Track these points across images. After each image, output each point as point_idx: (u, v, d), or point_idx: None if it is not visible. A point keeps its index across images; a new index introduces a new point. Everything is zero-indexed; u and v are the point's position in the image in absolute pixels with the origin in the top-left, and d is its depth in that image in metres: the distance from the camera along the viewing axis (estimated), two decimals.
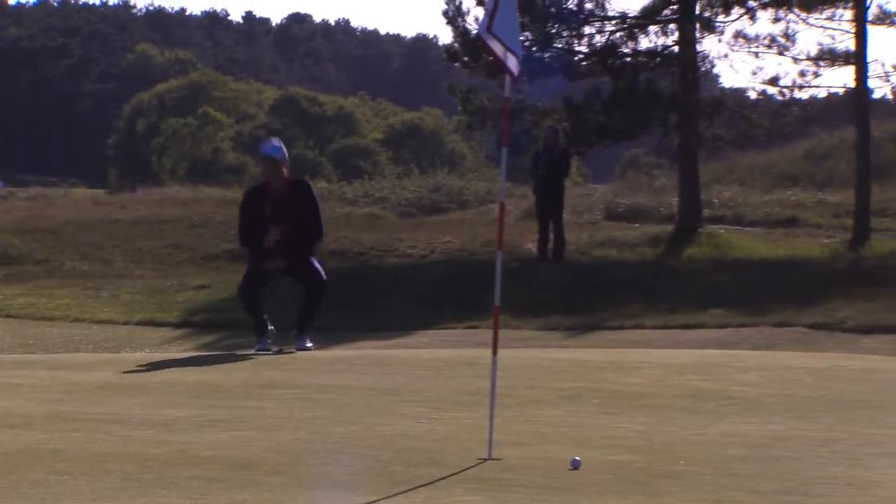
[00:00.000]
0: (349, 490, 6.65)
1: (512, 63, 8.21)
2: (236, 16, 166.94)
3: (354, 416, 8.90)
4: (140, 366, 11.95)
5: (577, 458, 7.13)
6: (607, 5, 32.08)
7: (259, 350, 13.44)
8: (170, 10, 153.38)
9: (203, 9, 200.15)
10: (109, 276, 29.01)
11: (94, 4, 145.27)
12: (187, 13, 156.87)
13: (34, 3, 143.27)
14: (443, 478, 7.04)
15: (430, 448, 7.87)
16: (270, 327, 13.86)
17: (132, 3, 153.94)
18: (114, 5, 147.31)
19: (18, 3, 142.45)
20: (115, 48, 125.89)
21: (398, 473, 7.07)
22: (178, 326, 23.94)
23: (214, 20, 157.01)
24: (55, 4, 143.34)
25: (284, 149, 13.89)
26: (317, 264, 13.78)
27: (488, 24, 8.20)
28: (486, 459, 7.46)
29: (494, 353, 8.18)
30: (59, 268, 29.96)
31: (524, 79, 28.81)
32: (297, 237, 13.56)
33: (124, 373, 11.26)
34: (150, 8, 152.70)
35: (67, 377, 10.84)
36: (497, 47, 8.22)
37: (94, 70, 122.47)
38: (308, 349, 13.60)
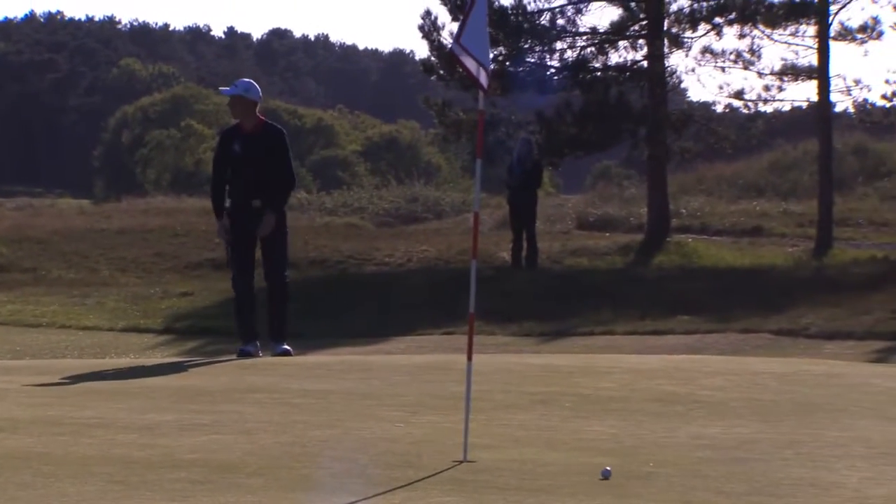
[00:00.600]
0: (328, 492, 6.64)
1: (482, 77, 8.21)
2: (218, 31, 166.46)
3: (333, 420, 8.88)
4: (124, 371, 11.92)
5: (608, 469, 7.10)
6: (578, 21, 32.18)
7: (244, 354, 13.08)
8: (154, 25, 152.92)
9: (186, 24, 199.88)
10: (95, 284, 28.95)
11: (79, 20, 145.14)
12: (171, 28, 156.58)
13: (22, 19, 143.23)
14: (419, 479, 7.04)
15: (407, 451, 7.86)
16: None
17: (117, 19, 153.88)
18: (99, 21, 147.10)
19: (6, 18, 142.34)
20: (100, 62, 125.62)
21: (376, 475, 7.06)
22: (162, 333, 23.91)
23: (197, 35, 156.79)
24: (42, 20, 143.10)
25: (258, 88, 13.24)
26: (286, 251, 13.31)
27: (458, 36, 8.21)
28: (461, 462, 7.45)
29: (469, 358, 8.18)
30: (46, 276, 29.88)
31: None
32: (269, 182, 12.91)
33: (109, 378, 11.23)
34: (135, 23, 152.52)
35: (53, 382, 10.80)
36: (469, 62, 8.23)
37: (81, 84, 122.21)
38: (288, 353, 13.15)
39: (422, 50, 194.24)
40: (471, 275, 8.23)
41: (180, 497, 6.48)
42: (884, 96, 32.40)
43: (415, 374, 11.26)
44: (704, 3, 31.65)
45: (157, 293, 27.71)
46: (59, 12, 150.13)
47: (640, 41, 32.24)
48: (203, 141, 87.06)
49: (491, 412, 9.22)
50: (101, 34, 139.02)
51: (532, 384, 10.70)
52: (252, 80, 13.43)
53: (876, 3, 31.54)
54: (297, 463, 7.40)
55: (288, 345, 13.27)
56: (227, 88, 13.28)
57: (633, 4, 32.58)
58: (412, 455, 7.72)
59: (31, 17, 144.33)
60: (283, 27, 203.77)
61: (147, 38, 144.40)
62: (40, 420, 8.75)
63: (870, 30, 31.59)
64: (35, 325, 24.42)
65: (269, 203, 12.91)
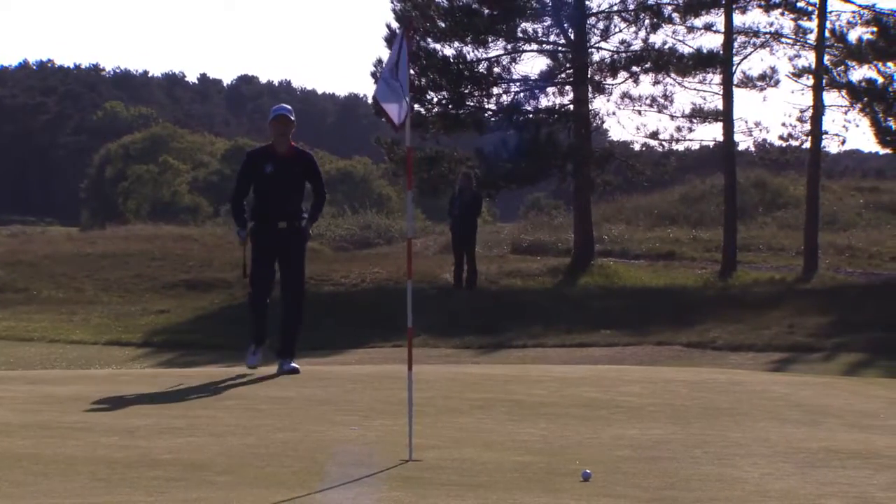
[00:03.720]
0: (289, 488, 6.60)
1: (402, 114, 8.25)
2: (192, 77, 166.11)
3: (295, 424, 8.84)
4: (107, 380, 11.82)
5: (589, 471, 7.07)
6: (512, 69, 32.28)
7: (250, 366, 12.06)
8: (134, 72, 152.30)
9: (163, 71, 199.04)
10: (81, 303, 28.73)
11: (68, 67, 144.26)
12: (150, 74, 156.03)
13: (16, 67, 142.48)
14: (370, 475, 7.01)
15: (361, 451, 7.84)
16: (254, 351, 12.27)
17: (101, 66, 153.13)
18: (86, 68, 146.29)
19: (2, 66, 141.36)
20: (86, 105, 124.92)
21: (333, 473, 7.03)
22: (141, 346, 23.74)
23: (173, 81, 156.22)
24: (34, 67, 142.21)
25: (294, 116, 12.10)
26: (304, 264, 12.23)
27: (386, 73, 8.27)
28: (407, 461, 7.43)
29: (410, 367, 8.20)
30: (37, 295, 29.62)
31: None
32: (295, 204, 11.89)
33: (93, 386, 11.14)
34: (117, 70, 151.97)
35: (43, 390, 10.70)
36: (391, 108, 8.27)
37: (69, 124, 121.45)
38: (296, 371, 11.87)
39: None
40: (407, 293, 8.29)
41: (157, 493, 6.43)
42: (781, 137, 32.71)
43: (367, 383, 11.22)
44: (623, 54, 31.83)
45: (137, 311, 27.53)
46: (49, 60, 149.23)
47: (567, 87, 32.37)
48: (178, 175, 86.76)
49: (435, 416, 9.20)
50: (88, 80, 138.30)
51: (471, 391, 10.69)
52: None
53: (774, 55, 31.86)
54: (262, 462, 7.36)
55: (295, 362, 12.14)
56: (279, 108, 12.08)
57: (560, 55, 32.72)
58: (365, 455, 7.70)
59: (24, 65, 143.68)
60: (250, 73, 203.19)
61: (128, 84, 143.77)
62: (31, 424, 8.66)
63: (768, 78, 31.90)
64: (27, 339, 24.19)
65: (305, 219, 11.93)
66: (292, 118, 12.01)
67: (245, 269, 12.10)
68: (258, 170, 11.86)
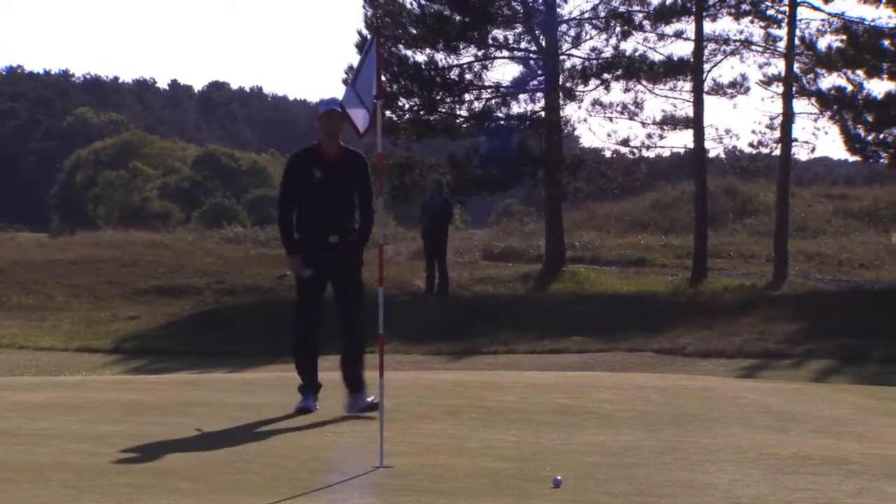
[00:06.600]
0: (260, 495, 6.59)
1: (361, 120, 8.26)
2: (163, 83, 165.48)
3: (266, 431, 8.82)
4: (77, 387, 11.77)
5: (559, 478, 7.07)
6: (484, 76, 32.32)
7: (301, 409, 9.93)
8: (105, 77, 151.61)
9: (134, 77, 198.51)
10: (51, 309, 28.60)
11: (38, 73, 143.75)
12: (120, 80, 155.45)
13: None
14: (342, 482, 7.01)
15: (332, 458, 7.83)
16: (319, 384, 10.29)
17: (71, 72, 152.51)
18: (56, 74, 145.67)
19: None
20: (56, 111, 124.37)
21: (303, 480, 7.02)
22: (111, 353, 23.65)
23: (144, 87, 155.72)
24: (4, 73, 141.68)
25: None
26: (362, 284, 10.28)
27: (354, 79, 8.30)
28: (378, 467, 7.43)
29: (381, 374, 8.20)
30: (6, 302, 29.47)
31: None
32: (349, 215, 9.96)
33: (63, 393, 11.08)
34: (88, 76, 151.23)
35: (12, 397, 10.65)
36: (355, 114, 8.29)
37: (39, 130, 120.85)
38: (375, 406, 9.30)
39: None
40: (378, 300, 8.29)
41: (126, 500, 6.40)
42: (751, 144, 32.82)
43: (339, 389, 11.19)
44: (594, 61, 31.91)
45: (107, 317, 27.42)
46: (19, 66, 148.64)
47: (539, 94, 32.42)
48: (149, 181, 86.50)
49: (407, 422, 9.19)
50: (58, 86, 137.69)
51: (443, 397, 10.69)
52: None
53: (744, 62, 32.00)
54: (233, 469, 7.34)
55: (369, 393, 9.90)
56: (329, 101, 9.90)
57: (531, 62, 32.77)
58: (336, 461, 7.69)
59: None
60: (221, 80, 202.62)
61: (99, 89, 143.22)
62: (0, 431, 8.61)
63: (738, 85, 32.00)
64: None
65: (357, 234, 10.09)
66: (340, 110, 9.25)
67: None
68: (305, 176, 9.88)
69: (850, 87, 31.02)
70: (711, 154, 33.52)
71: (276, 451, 7.97)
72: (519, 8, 31.97)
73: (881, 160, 32.00)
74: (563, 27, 32.15)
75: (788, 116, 31.19)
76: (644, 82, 31.95)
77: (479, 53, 32.19)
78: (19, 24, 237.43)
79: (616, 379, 13.22)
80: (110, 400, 10.49)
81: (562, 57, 32.22)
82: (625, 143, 33.10)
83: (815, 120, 31.67)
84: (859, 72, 30.79)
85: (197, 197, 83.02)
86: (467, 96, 32.43)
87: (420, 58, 31.90)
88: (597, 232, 41.17)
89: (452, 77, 32.01)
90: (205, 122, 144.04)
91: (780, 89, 31.43)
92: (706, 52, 31.69)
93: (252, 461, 7.59)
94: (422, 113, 31.86)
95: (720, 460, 7.90)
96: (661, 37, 32.00)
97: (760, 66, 32.93)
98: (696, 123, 31.57)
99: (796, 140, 31.62)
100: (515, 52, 32.59)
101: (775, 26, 31.57)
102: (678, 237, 38.93)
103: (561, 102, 32.11)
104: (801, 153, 37.75)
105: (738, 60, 38.11)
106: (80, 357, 22.96)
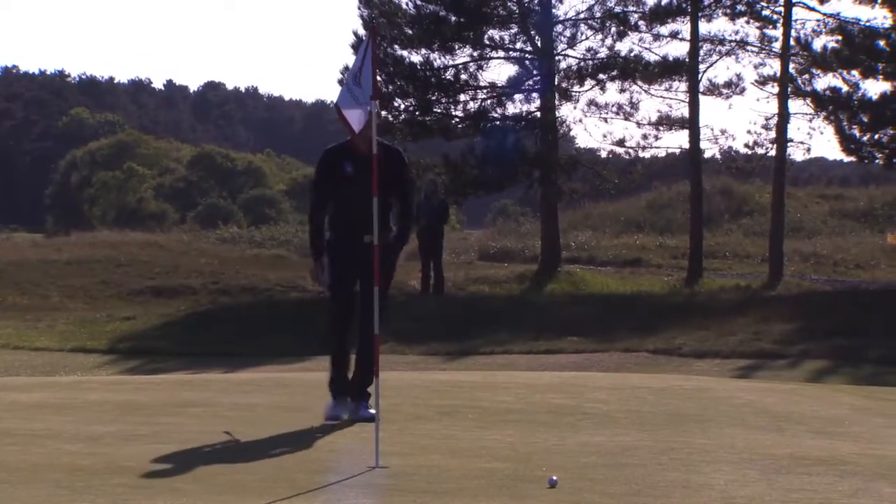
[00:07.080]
0: (256, 495, 6.58)
1: (357, 120, 8.25)
2: (158, 83, 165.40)
3: (262, 431, 8.82)
4: (72, 387, 11.76)
5: (555, 478, 7.06)
6: (479, 77, 32.33)
7: (331, 419, 9.40)
8: (100, 78, 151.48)
9: (130, 77, 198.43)
10: (46, 309, 28.59)
11: (33, 73, 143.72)
12: (115, 81, 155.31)
13: None
14: (337, 482, 7.00)
15: (328, 458, 7.82)
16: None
17: (67, 72, 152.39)
18: (51, 74, 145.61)
19: None
20: (52, 111, 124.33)
21: (300, 480, 7.01)
22: (107, 353, 23.64)
23: (139, 87, 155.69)
24: None
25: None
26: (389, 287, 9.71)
27: (349, 79, 8.28)
28: (374, 467, 7.42)
29: (377, 374, 8.20)
30: (2, 302, 29.46)
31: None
32: (383, 214, 9.34)
33: (58, 393, 11.07)
34: (83, 76, 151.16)
35: (8, 397, 10.63)
36: (351, 114, 8.27)
37: (34, 130, 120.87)
38: (371, 417, 8.61)
39: None
40: (374, 300, 8.27)
41: (121, 500, 6.39)
42: (746, 144, 32.86)
43: None
44: (590, 62, 31.92)
45: (103, 317, 27.40)
46: (14, 66, 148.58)
47: (534, 94, 32.44)
48: (144, 181, 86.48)
49: (402, 423, 9.19)
50: (53, 86, 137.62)
51: (438, 398, 10.68)
52: None
53: (739, 62, 32.02)
54: (229, 469, 7.33)
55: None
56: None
57: (527, 62, 32.78)
58: (332, 461, 7.69)
59: None
60: (216, 80, 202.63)
61: (94, 90, 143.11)
62: None
63: (734, 86, 32.04)
64: None
65: (395, 235, 9.69)
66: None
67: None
68: (337, 171, 9.47)
69: (845, 88, 31.08)
70: (707, 154, 33.58)
71: (273, 452, 7.96)
72: (514, 8, 31.97)
73: (876, 161, 32.04)
74: (559, 27, 32.19)
75: (784, 117, 31.21)
76: (640, 83, 31.97)
77: (475, 54, 32.20)
78: (15, 24, 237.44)
79: (612, 379, 13.21)
80: (105, 400, 10.48)
81: (557, 57, 32.24)
82: (620, 143, 33.14)
83: (811, 120, 31.72)
84: (855, 72, 30.84)
85: (192, 197, 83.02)
86: (463, 97, 32.46)
87: (415, 58, 31.95)
88: (592, 232, 41.21)
89: (448, 77, 32.02)
90: (200, 123, 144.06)
91: (776, 90, 31.46)
92: (702, 52, 31.72)
93: (248, 461, 7.58)
94: (417, 113, 31.87)
95: (716, 461, 7.89)
96: (657, 37, 32.06)
97: (756, 67, 33.00)
98: (691, 124, 31.59)
99: (792, 140, 31.68)
100: (511, 53, 32.60)
101: (771, 27, 31.62)
102: (674, 237, 38.96)
103: (556, 103, 32.14)
104: (796, 154, 37.94)
105: (733, 61, 38.23)
106: (75, 357, 22.94)
